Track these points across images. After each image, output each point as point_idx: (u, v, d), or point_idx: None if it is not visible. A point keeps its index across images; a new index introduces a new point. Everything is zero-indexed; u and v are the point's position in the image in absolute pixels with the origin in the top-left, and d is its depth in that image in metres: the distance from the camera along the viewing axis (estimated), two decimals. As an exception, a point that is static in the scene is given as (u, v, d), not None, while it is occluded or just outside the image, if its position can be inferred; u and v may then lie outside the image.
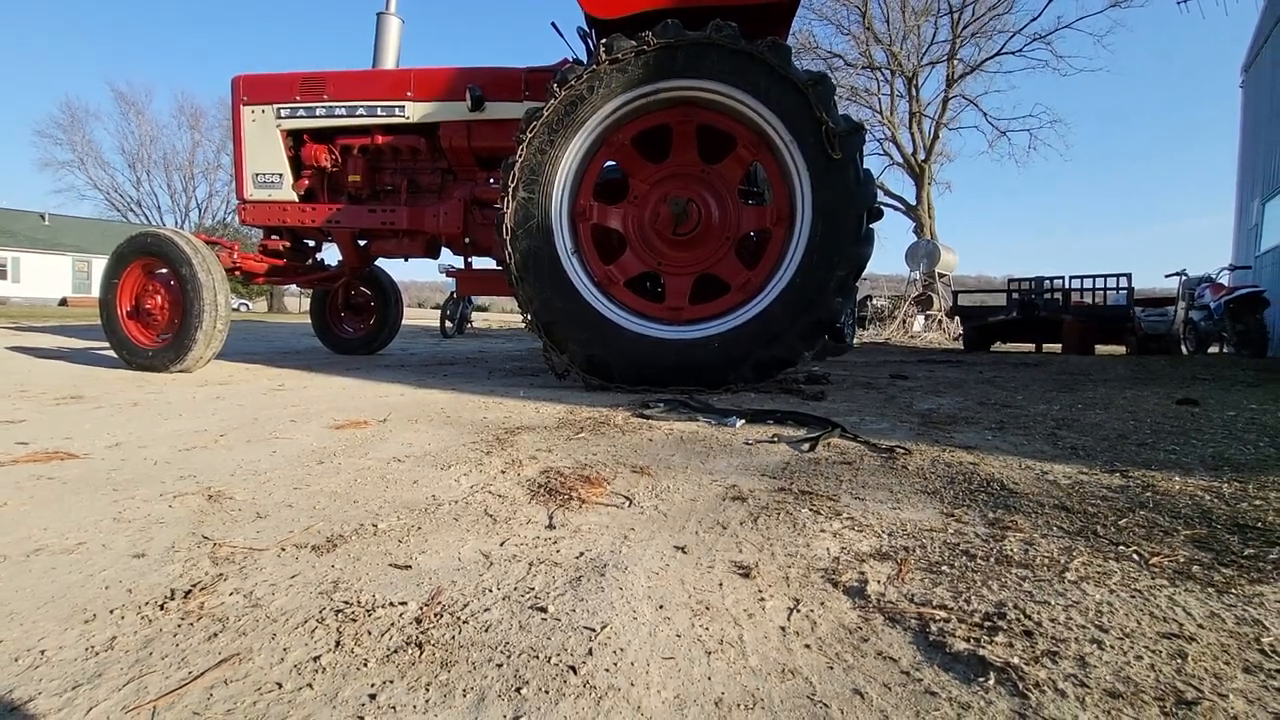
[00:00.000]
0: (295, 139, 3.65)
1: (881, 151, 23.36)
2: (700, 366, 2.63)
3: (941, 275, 18.42)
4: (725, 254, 2.88)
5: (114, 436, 1.67)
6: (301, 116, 3.58)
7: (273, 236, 3.90)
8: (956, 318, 12.41)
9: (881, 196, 23.89)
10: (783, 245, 2.75)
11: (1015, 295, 9.47)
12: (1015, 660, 0.67)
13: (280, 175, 3.62)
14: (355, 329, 5.20)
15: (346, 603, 0.78)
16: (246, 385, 2.80)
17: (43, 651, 0.67)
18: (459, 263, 4.04)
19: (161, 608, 0.76)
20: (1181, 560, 0.94)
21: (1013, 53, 21.10)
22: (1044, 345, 8.88)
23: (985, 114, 22.16)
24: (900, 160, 22.54)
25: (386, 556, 0.93)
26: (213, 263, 3.17)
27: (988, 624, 0.75)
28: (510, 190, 2.71)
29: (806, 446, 1.68)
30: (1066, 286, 9.34)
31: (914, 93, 22.00)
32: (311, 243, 4.15)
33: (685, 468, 1.48)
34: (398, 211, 3.64)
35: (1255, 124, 11.98)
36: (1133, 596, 0.82)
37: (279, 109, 3.57)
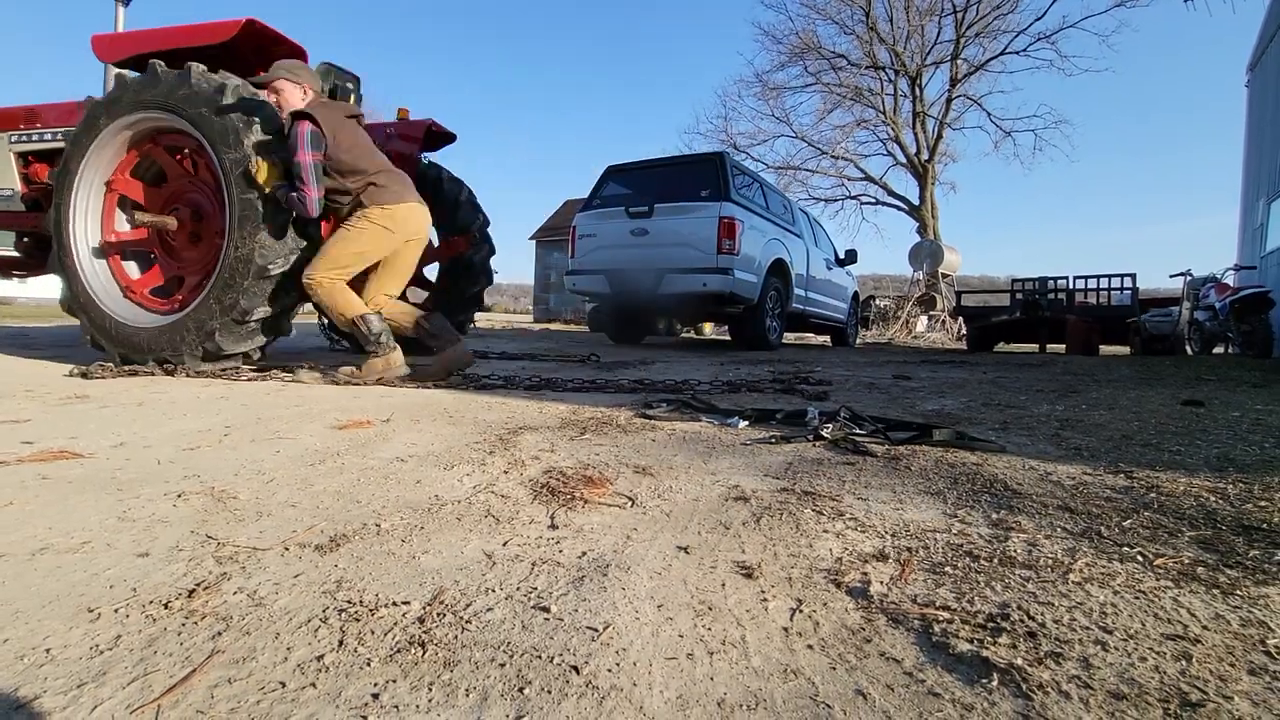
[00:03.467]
0: (24, 160, 4.27)
1: (885, 152, 23.34)
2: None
3: (945, 275, 18.41)
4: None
5: (118, 436, 1.67)
6: (24, 141, 4.23)
7: (24, 239, 4.57)
8: (960, 318, 12.40)
9: (884, 196, 23.97)
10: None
11: (1019, 295, 9.43)
12: (1019, 661, 0.67)
13: (13, 190, 4.27)
14: None
15: (349, 602, 0.79)
16: (250, 384, 2.81)
17: (48, 650, 0.67)
18: None
19: (165, 606, 0.77)
20: (1186, 561, 0.94)
21: (1017, 53, 21.03)
22: (1048, 345, 8.85)
23: (989, 114, 22.12)
24: (904, 160, 22.50)
25: (390, 556, 0.93)
26: None
27: (991, 625, 0.75)
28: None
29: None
30: (1070, 286, 9.30)
31: (917, 93, 21.95)
32: None
33: (688, 468, 1.48)
34: None
35: (1261, 123, 11.92)
36: (1137, 598, 0.82)
37: (11, 135, 4.22)
